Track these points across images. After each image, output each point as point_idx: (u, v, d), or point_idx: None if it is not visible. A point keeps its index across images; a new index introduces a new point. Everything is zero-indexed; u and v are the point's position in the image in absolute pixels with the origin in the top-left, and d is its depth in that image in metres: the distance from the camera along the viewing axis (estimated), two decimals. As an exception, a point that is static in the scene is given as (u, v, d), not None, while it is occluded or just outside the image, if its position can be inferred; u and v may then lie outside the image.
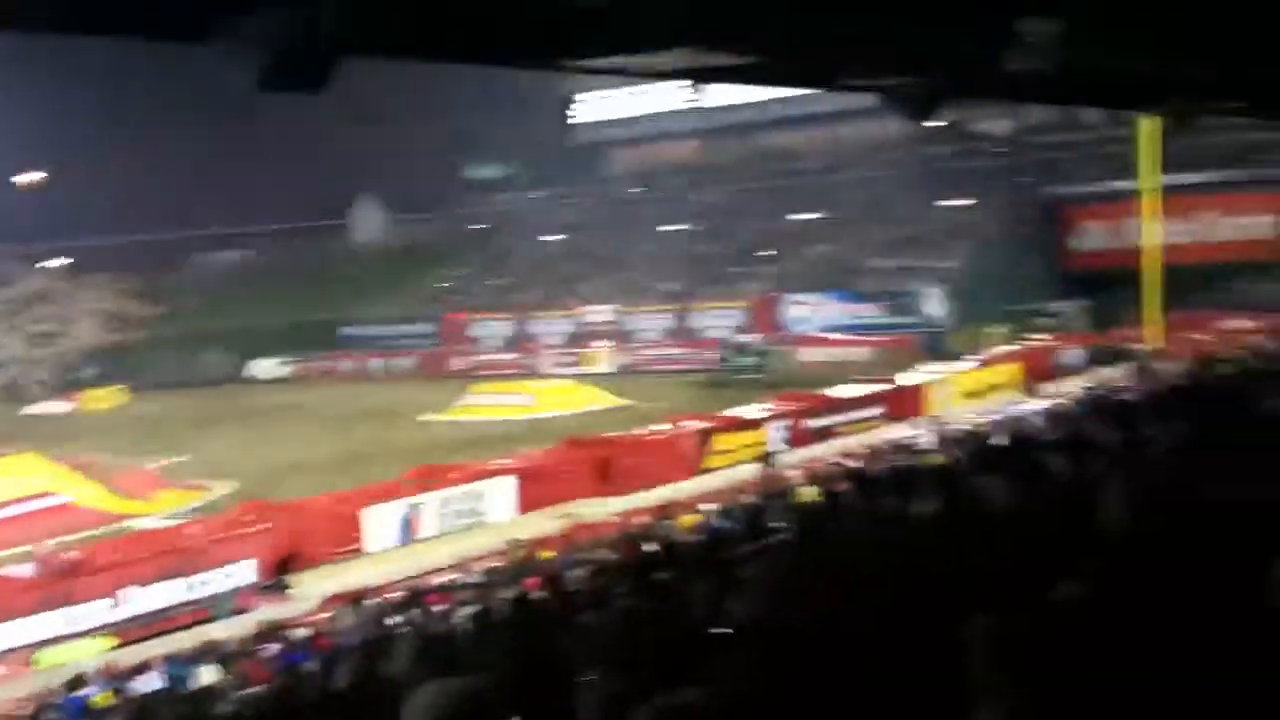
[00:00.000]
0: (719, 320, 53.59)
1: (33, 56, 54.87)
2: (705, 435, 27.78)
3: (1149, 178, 35.99)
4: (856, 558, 4.32)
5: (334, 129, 63.22)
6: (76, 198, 67.26)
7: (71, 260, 71.78)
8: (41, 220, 70.11)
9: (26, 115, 57.94)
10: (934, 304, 48.85)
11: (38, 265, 72.53)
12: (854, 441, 28.01)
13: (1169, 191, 42.72)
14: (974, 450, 13.26)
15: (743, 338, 46.37)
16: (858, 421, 30.78)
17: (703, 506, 19.64)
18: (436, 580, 18.06)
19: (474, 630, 9.48)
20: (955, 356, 40.57)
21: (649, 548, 13.75)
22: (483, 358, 55.66)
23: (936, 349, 44.41)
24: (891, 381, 33.12)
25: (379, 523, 23.02)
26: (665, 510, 20.30)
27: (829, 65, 5.37)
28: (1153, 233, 36.53)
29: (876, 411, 31.51)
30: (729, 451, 27.78)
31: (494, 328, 59.50)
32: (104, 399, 54.96)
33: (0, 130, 56.33)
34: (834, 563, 4.33)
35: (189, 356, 60.11)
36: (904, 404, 31.63)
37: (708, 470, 26.93)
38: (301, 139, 64.78)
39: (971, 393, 33.60)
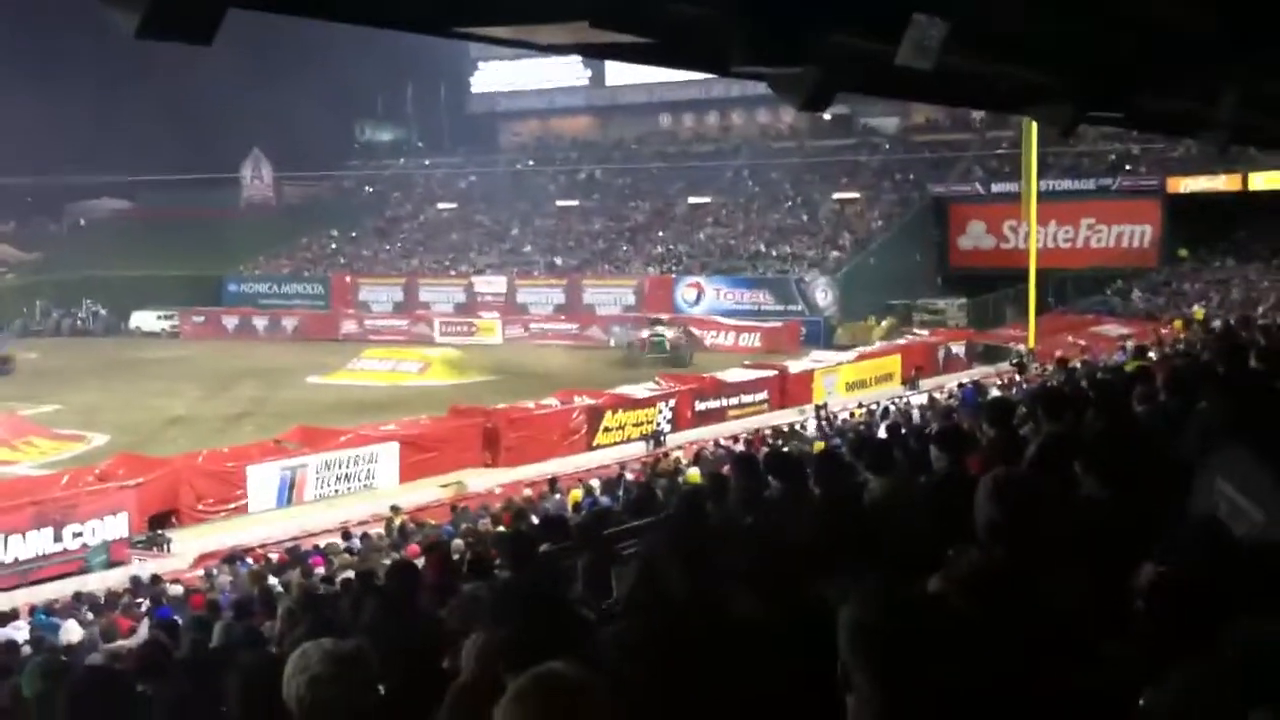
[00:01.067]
0: (609, 297, 53.86)
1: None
2: (594, 411, 27.95)
3: (1030, 182, 37.01)
4: (739, 540, 4.48)
5: (227, 82, 61.97)
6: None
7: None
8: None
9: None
10: (821, 293, 49.66)
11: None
12: (740, 425, 28.49)
13: (1050, 197, 44.18)
14: (856, 439, 13.63)
15: (664, 321, 45.37)
16: (745, 406, 31.25)
17: (589, 482, 19.85)
18: (317, 543, 17.97)
19: (353, 594, 9.50)
20: (841, 346, 41.42)
21: (534, 521, 13.91)
22: (372, 322, 55.08)
23: (822, 338, 45.29)
24: (779, 368, 33.64)
25: (260, 482, 22.73)
26: (551, 484, 20.48)
27: (723, 51, 5.49)
28: (1033, 236, 37.59)
29: (763, 397, 31.99)
30: (617, 429, 28.02)
31: (384, 292, 58.92)
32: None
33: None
34: (715, 543, 4.47)
35: (68, 306, 58.57)
36: (790, 391, 32.16)
37: (596, 447, 27.13)
38: (194, 91, 63.28)
39: (855, 383, 34.33)
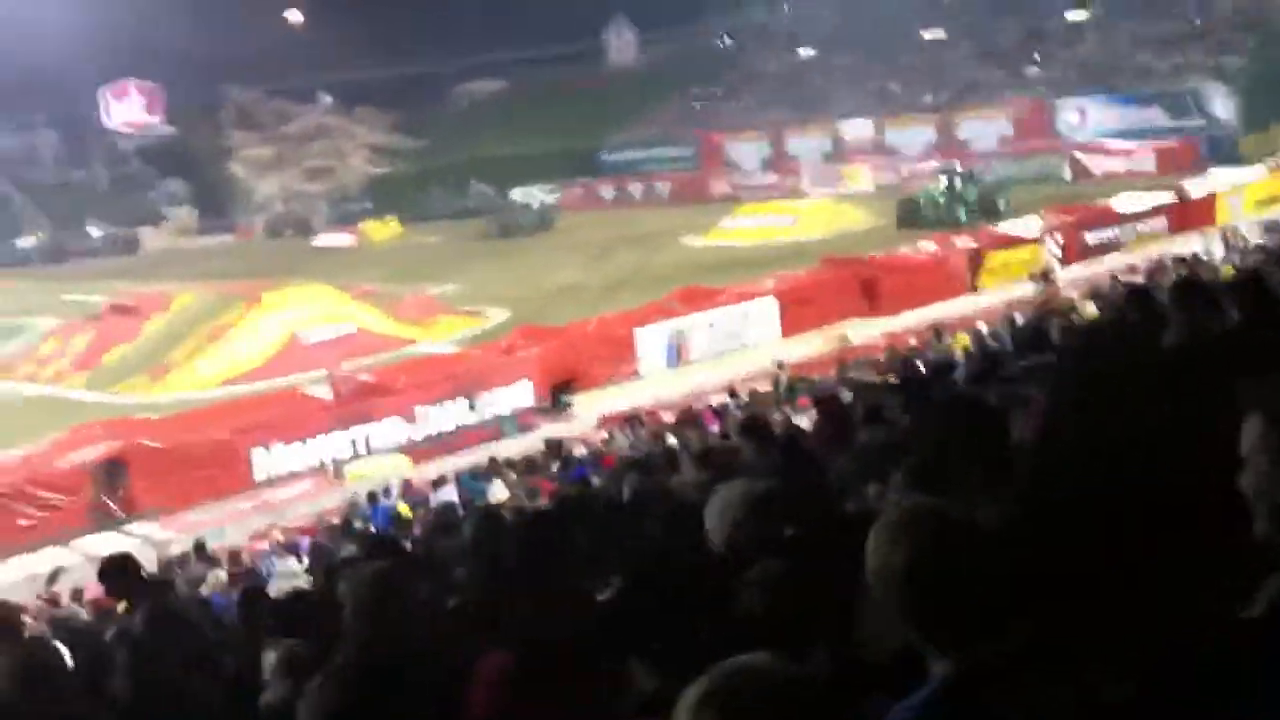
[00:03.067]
0: (985, 130, 51.42)
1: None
2: (976, 253, 26.97)
3: None
4: (1143, 380, 4.10)
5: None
6: (340, 34, 69.69)
7: (337, 97, 74.71)
8: (310, 57, 73.20)
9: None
10: (1219, 104, 45.25)
11: (310, 103, 75.87)
12: (1137, 256, 26.68)
13: None
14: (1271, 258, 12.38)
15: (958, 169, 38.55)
16: (1141, 235, 29.23)
17: (977, 326, 19.19)
18: (708, 401, 18.41)
19: (749, 446, 9.63)
20: (1245, 161, 37.73)
21: (921, 367, 13.59)
22: (741, 180, 55.32)
23: (1224, 154, 41.38)
24: (1176, 190, 31.16)
25: (648, 345, 23.51)
26: (936, 330, 19.95)
27: None
28: None
29: (1161, 224, 29.80)
30: (1002, 269, 26.94)
31: (750, 148, 58.90)
32: (380, 230, 57.61)
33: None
34: (1117, 383, 4.12)
35: (455, 187, 61.93)
36: (1190, 215, 29.77)
37: (979, 290, 26.23)
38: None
39: (1265, 200, 31.30)
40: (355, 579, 3.80)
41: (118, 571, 5.97)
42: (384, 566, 4.19)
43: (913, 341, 19.87)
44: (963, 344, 17.74)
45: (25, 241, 67.37)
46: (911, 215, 36.60)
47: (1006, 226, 29.36)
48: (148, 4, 65.50)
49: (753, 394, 17.91)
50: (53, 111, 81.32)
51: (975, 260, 26.86)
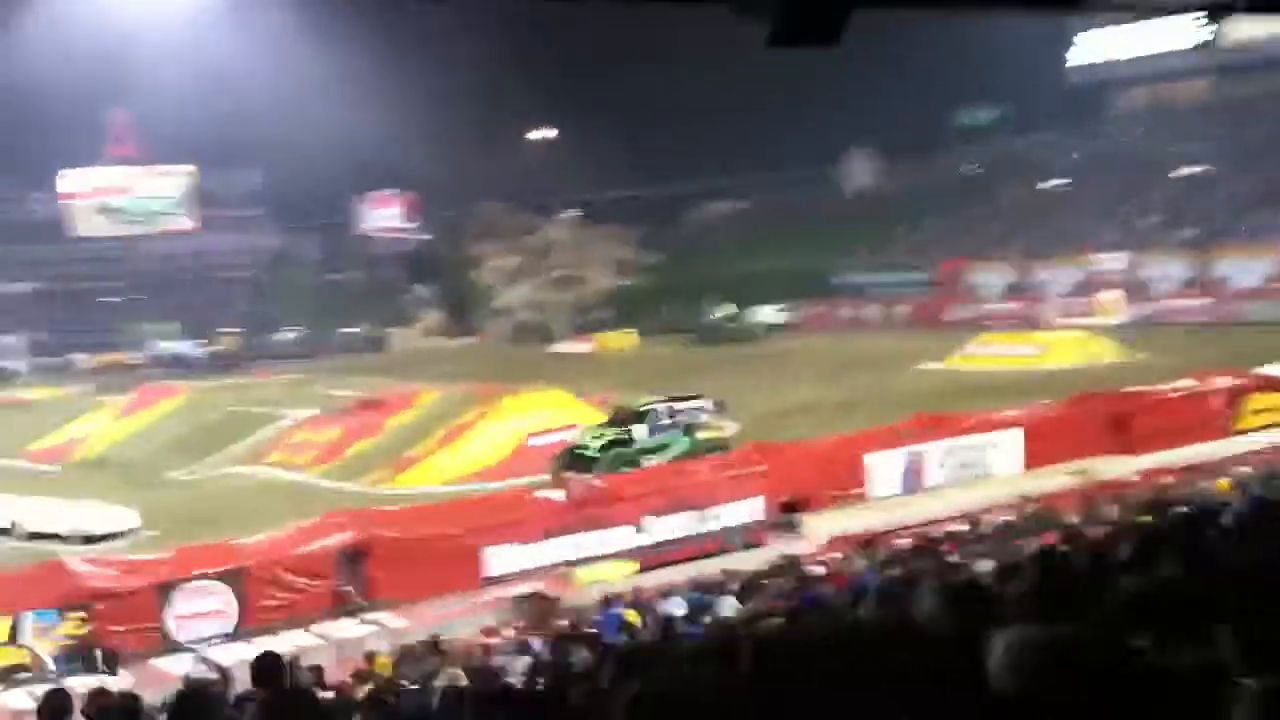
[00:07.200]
0: (1244, 269, 48.98)
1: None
2: (1237, 393, 25.48)
3: None
4: None
5: (824, 78, 63.39)
6: (585, 155, 72.36)
7: (583, 212, 77.22)
8: (558, 174, 76.19)
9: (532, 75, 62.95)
10: None
11: (555, 217, 78.70)
12: None
13: None
14: None
15: None
16: None
17: (1238, 470, 18.02)
18: (946, 529, 17.78)
19: (999, 580, 9.21)
20: None
21: (1183, 511, 12.78)
22: (984, 307, 54.20)
23: None
24: None
25: (882, 468, 23.00)
26: (1193, 472, 18.84)
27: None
28: None
29: None
30: (1265, 411, 25.34)
31: (993, 276, 57.78)
32: (617, 340, 58.77)
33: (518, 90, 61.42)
34: None
35: (692, 302, 62.63)
36: None
37: (1239, 432, 24.71)
38: (792, 90, 65.45)
39: None
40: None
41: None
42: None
43: (1168, 481, 18.79)
44: (1223, 487, 16.68)
45: (284, 335, 71.59)
46: None
47: (1271, 369, 27.67)
48: (406, 122, 69.64)
49: (999, 526, 17.19)
50: (316, 216, 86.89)
51: (1236, 401, 25.36)
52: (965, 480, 23.31)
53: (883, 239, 65.40)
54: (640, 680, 7.42)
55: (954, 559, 14.08)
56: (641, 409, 27.20)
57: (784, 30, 4.03)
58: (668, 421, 26.66)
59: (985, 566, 12.49)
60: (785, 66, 54.37)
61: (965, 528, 17.63)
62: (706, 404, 28.14)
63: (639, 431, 26.27)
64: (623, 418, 27.09)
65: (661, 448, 25.94)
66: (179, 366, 59.61)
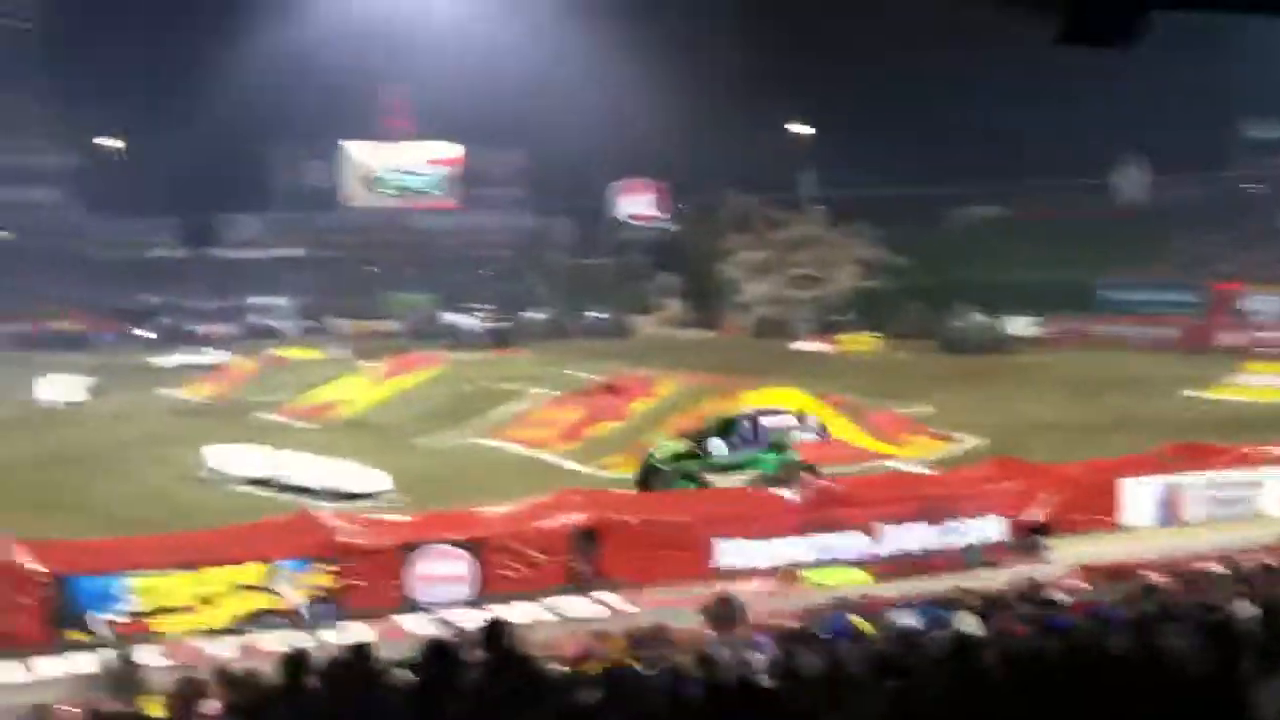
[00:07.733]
0: None
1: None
2: None
3: None
4: None
5: (1100, 82, 60.67)
6: (840, 151, 71.51)
7: (834, 208, 76.42)
8: (811, 170, 75.59)
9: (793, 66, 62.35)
10: None
11: (804, 212, 78.21)
12: None
13: None
14: None
15: None
16: None
17: None
18: (1204, 566, 16.71)
19: (1267, 625, 8.70)
20: None
21: None
22: (1257, 334, 50.91)
23: None
24: None
25: (1136, 497, 21.87)
26: None
27: None
28: None
29: None
30: None
31: (1270, 302, 54.14)
32: (858, 342, 57.91)
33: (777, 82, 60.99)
34: None
35: (938, 308, 61.07)
36: None
37: None
38: (1065, 93, 62.91)
39: None
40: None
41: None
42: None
43: None
44: None
45: (534, 316, 73.57)
46: None
47: None
48: (664, 110, 70.47)
49: (1262, 569, 16.04)
50: (571, 200, 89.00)
51: None
52: (1228, 518, 21.92)
53: (1151, 255, 62.22)
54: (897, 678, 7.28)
55: (1212, 599, 13.21)
56: (727, 420, 25.41)
57: (1075, 27, 3.78)
58: (751, 438, 24.76)
59: (1245, 609, 11.70)
60: (1058, 68, 52.31)
61: (1225, 571, 16.50)
62: (810, 420, 26.71)
63: (715, 445, 24.32)
64: (706, 429, 25.21)
65: (736, 467, 23.96)
66: (450, 338, 61.71)
